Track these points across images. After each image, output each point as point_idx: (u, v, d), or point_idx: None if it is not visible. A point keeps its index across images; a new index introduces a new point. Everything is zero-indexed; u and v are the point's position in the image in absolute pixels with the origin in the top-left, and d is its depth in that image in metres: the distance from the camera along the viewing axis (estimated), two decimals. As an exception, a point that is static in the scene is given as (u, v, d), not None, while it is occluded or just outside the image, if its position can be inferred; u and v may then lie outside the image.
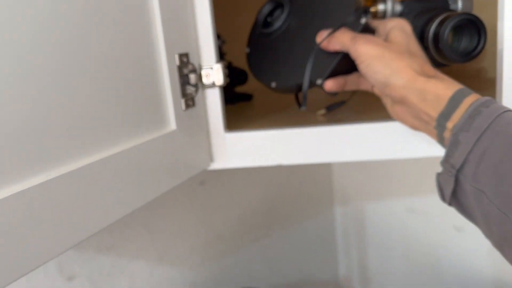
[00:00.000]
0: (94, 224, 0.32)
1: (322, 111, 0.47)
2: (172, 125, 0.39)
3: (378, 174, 0.90)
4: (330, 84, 0.41)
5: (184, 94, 0.40)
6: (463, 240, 0.80)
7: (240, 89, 0.65)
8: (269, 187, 0.86)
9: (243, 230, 0.83)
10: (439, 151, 0.44)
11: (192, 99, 0.41)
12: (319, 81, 0.41)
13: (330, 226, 0.99)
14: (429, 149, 0.42)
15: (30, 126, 0.27)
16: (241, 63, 0.64)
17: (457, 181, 0.33)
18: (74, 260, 0.64)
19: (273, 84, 0.43)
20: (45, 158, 0.28)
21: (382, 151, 0.43)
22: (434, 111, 0.35)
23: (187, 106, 0.40)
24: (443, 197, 0.35)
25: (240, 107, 0.61)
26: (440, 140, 0.36)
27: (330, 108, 0.48)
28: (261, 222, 0.86)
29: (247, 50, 0.48)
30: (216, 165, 0.45)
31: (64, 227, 0.29)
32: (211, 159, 0.44)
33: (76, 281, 0.65)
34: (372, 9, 0.47)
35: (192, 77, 0.41)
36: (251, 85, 0.69)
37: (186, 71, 0.40)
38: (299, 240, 0.93)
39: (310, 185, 0.94)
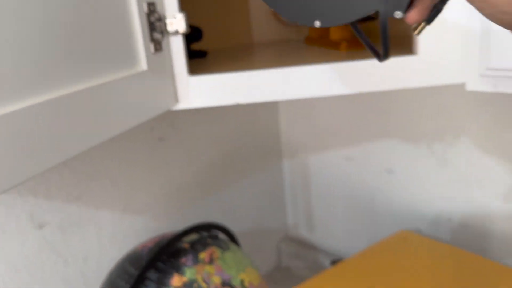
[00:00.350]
0: (71, 148, 0.38)
1: (422, 25, 0.33)
2: (144, 65, 0.45)
3: (320, 128, 1.00)
4: (415, 15, 0.30)
5: (152, 39, 0.46)
6: (394, 181, 0.91)
7: (195, 46, 0.71)
8: (223, 144, 0.93)
9: (200, 183, 0.90)
10: (369, 87, 0.53)
11: (159, 44, 0.47)
12: (398, 14, 0.30)
13: (279, 178, 1.08)
14: (364, 85, 0.51)
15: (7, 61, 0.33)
16: (197, 20, 0.70)
17: None
18: (44, 209, 0.68)
19: (318, 23, 0.34)
20: (24, 87, 0.34)
21: (321, 88, 0.51)
22: None
23: (156, 50, 0.46)
24: None
25: (196, 63, 0.67)
26: None
27: (430, 19, 0.33)
28: (216, 176, 0.93)
29: None
30: (181, 105, 0.51)
31: (45, 148, 0.35)
32: (176, 100, 0.51)
33: (46, 228, 0.69)
34: None
35: (158, 25, 0.46)
36: (206, 42, 0.75)
37: (153, 19, 0.46)
38: (251, 192, 1.02)
39: (260, 141, 1.02)
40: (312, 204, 1.06)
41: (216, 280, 0.58)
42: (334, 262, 0.72)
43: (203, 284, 0.57)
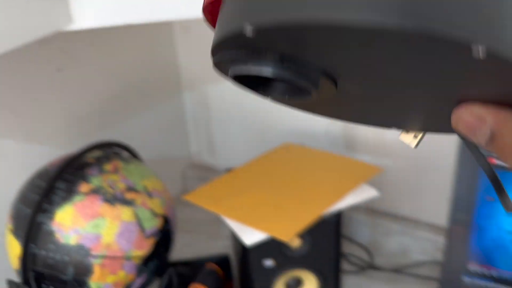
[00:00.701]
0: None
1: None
2: (35, -14, 0.49)
3: (215, 60, 1.08)
4: None
5: (41, -38, 0.50)
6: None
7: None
8: (122, 75, 0.98)
9: (103, 114, 0.95)
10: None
11: (49, -33, 0.51)
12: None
13: (180, 109, 1.16)
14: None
15: None
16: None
17: None
18: None
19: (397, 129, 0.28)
20: None
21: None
22: None
23: (46, -29, 0.51)
24: None
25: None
26: None
27: None
28: (118, 107, 0.99)
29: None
30: (76, 25, 0.56)
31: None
32: (70, 20, 0.56)
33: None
34: None
35: (46, -51, 0.51)
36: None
37: None
38: (154, 123, 1.09)
39: (159, 73, 1.08)
40: (213, 131, 1.16)
41: (121, 185, 0.66)
42: (227, 171, 0.83)
43: (109, 189, 0.65)
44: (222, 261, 0.82)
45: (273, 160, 0.86)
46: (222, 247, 0.98)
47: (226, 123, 1.13)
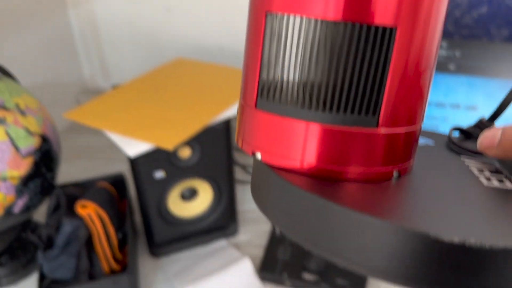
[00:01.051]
0: None
1: None
2: None
3: (98, -28, 0.99)
4: None
5: None
6: (173, 18, 0.99)
7: None
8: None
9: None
10: None
11: None
12: None
13: (67, 28, 1.07)
14: None
15: None
16: None
17: None
18: None
19: None
20: None
21: None
22: None
23: None
24: None
25: None
26: None
27: None
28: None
29: None
30: None
31: None
32: None
33: None
34: None
35: None
36: None
37: None
38: (37, 45, 1.00)
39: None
40: (104, 52, 1.10)
41: (-14, 103, 0.61)
42: (114, 86, 0.80)
43: (-28, 108, 0.60)
44: (116, 181, 0.81)
45: (163, 75, 0.83)
46: (120, 170, 0.96)
47: (118, 42, 1.07)
